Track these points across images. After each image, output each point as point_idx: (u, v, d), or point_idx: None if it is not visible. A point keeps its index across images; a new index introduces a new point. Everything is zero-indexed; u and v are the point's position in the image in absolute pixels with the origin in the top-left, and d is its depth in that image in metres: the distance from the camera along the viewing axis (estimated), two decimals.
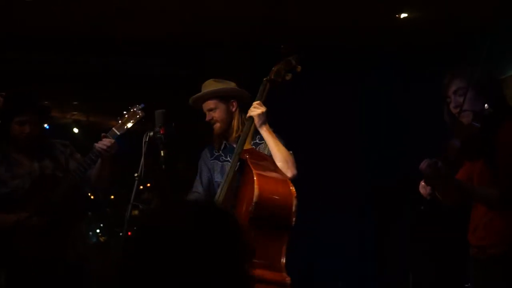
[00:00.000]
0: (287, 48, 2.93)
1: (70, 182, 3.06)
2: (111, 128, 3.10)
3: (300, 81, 2.86)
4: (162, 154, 2.87)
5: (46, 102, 3.39)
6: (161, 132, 2.86)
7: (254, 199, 2.53)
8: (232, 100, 3.06)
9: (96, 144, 3.04)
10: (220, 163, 3.08)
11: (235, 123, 3.04)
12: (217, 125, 3.06)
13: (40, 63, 4.66)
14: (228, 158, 3.05)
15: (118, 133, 3.04)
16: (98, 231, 4.90)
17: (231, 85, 3.13)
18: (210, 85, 3.11)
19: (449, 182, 2.37)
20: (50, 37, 4.47)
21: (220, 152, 3.11)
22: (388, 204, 4.60)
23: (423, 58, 4.62)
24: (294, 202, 2.61)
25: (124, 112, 3.00)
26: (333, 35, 4.60)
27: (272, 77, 2.90)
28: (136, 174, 2.81)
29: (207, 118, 3.10)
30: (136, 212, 2.95)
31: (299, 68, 2.89)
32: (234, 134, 3.04)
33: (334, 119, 4.83)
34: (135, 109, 2.96)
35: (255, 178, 2.58)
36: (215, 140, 3.12)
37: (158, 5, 4.13)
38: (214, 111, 3.07)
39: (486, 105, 2.35)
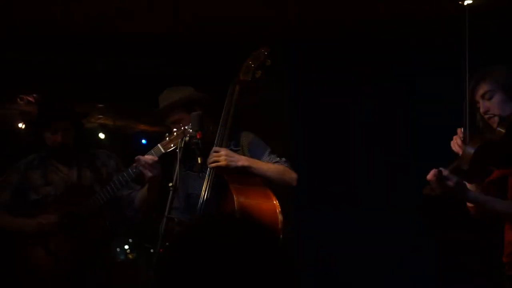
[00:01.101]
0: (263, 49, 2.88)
1: (99, 200, 3.01)
2: (143, 144, 3.01)
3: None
4: (199, 161, 2.80)
5: (82, 112, 3.37)
6: (198, 137, 2.79)
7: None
8: (196, 107, 2.96)
9: (137, 160, 2.93)
10: (193, 173, 3.00)
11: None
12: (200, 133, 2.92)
13: (60, 64, 4.67)
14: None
15: (163, 151, 2.92)
16: (126, 247, 4.84)
17: (188, 90, 3.05)
18: (167, 97, 3.02)
19: (460, 194, 2.25)
20: (76, 36, 4.46)
21: (193, 162, 2.99)
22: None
23: (487, 51, 4.40)
24: (280, 218, 2.61)
25: (174, 130, 2.90)
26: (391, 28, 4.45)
27: (241, 77, 2.84)
28: (170, 184, 2.73)
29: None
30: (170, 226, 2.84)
31: (268, 62, 2.84)
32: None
33: (384, 121, 4.67)
34: (186, 127, 2.85)
35: (234, 197, 2.62)
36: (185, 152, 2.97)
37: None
38: (179, 123, 2.97)
39: None
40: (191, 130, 2.82)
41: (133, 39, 4.54)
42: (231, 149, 2.91)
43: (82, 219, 3.04)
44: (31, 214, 3.07)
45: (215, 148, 2.81)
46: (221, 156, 2.77)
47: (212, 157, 2.79)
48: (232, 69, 2.94)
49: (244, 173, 2.78)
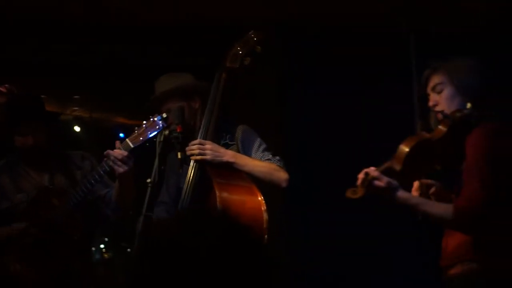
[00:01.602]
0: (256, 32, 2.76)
1: (72, 201, 2.93)
2: (120, 138, 2.92)
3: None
4: (179, 156, 2.75)
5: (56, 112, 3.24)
6: (178, 131, 2.75)
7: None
8: (194, 96, 2.89)
9: (106, 156, 2.85)
10: (187, 166, 2.90)
11: (198, 122, 2.86)
12: (180, 127, 2.86)
13: (34, 52, 4.56)
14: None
15: (132, 145, 2.84)
16: (102, 246, 4.77)
17: (186, 77, 2.97)
18: (165, 82, 2.95)
19: (389, 195, 2.18)
20: (46, 21, 4.36)
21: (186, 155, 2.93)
22: None
23: None
24: (265, 217, 2.54)
25: (143, 122, 2.81)
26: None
27: (228, 64, 2.75)
28: (148, 180, 2.67)
29: (169, 121, 2.90)
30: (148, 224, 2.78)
31: (258, 49, 2.74)
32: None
33: (383, 116, 4.62)
34: (155, 119, 2.77)
35: (216, 193, 2.55)
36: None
37: None
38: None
39: (468, 104, 2.25)
40: (160, 123, 2.74)
41: (144, 25, 4.43)
42: (226, 143, 2.85)
43: (57, 224, 2.95)
44: (3, 222, 2.98)
45: (199, 141, 2.73)
46: (206, 150, 2.70)
47: (196, 149, 2.71)
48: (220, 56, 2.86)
49: (230, 168, 2.71)
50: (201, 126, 2.77)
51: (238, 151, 2.82)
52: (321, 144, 4.48)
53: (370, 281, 4.50)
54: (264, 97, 4.45)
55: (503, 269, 2.16)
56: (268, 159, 2.78)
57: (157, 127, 2.77)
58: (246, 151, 2.82)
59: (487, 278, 2.17)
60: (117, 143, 2.88)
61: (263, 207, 2.58)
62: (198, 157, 2.70)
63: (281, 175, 2.72)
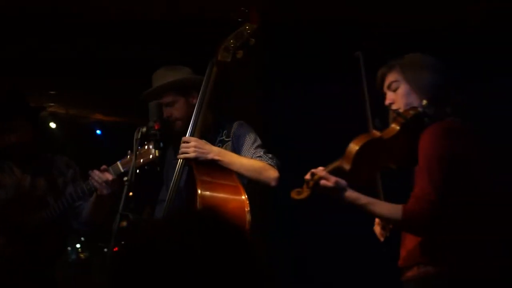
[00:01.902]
0: (239, 14, 2.73)
1: (52, 214, 2.91)
2: (97, 135, 2.89)
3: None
4: (156, 154, 2.73)
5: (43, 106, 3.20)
6: (156, 128, 2.71)
7: None
8: (192, 91, 2.87)
9: (91, 175, 2.82)
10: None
11: (205, 117, 2.81)
12: (178, 123, 2.86)
13: (8, 47, 4.51)
14: None
15: (122, 170, 2.82)
16: (78, 246, 4.74)
17: (185, 71, 2.96)
18: (163, 76, 2.93)
19: (337, 195, 2.16)
20: (21, 16, 4.32)
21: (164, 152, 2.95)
22: None
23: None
24: (248, 218, 2.51)
25: (138, 148, 2.74)
26: None
27: (219, 58, 2.72)
28: (125, 178, 2.66)
29: (165, 115, 2.90)
30: (125, 223, 2.77)
31: (252, 41, 2.70)
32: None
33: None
34: (150, 147, 2.71)
35: (198, 192, 2.52)
36: (176, 139, 2.90)
37: None
38: (172, 107, 2.90)
39: (424, 101, 2.24)
40: (154, 151, 2.68)
41: (121, 20, 4.40)
42: (222, 140, 2.83)
43: (32, 231, 2.92)
44: None
45: (184, 138, 2.71)
46: (190, 147, 2.68)
47: (181, 147, 2.69)
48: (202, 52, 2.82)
49: (217, 166, 2.68)
50: (191, 123, 2.75)
51: (233, 148, 2.81)
52: (302, 140, 4.49)
53: (358, 280, 4.53)
54: (245, 93, 4.45)
55: (458, 271, 2.16)
56: (259, 157, 2.75)
57: (151, 156, 2.71)
58: (239, 148, 2.80)
59: (442, 281, 2.16)
60: (103, 168, 2.84)
61: (247, 208, 2.54)
62: (182, 156, 2.69)
63: (270, 174, 2.68)
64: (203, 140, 2.72)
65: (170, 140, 2.93)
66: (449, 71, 2.33)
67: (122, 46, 4.60)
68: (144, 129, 2.72)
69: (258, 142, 2.82)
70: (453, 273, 2.16)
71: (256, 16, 2.72)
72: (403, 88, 2.32)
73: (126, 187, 2.62)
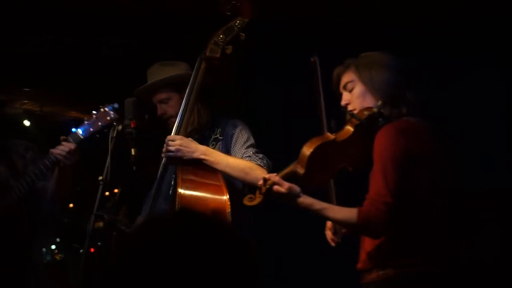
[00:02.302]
0: (229, 8, 2.70)
1: (17, 194, 2.91)
2: (73, 129, 2.91)
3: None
4: (132, 152, 2.72)
5: None
6: (132, 126, 2.70)
7: None
8: (185, 87, 2.83)
9: (52, 150, 2.86)
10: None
11: (191, 114, 2.81)
12: (173, 121, 2.84)
13: None
14: None
15: (82, 136, 2.85)
16: (53, 247, 4.71)
17: (182, 67, 2.94)
18: (158, 72, 2.92)
19: (291, 201, 2.14)
20: None
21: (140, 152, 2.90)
22: None
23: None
24: (228, 218, 2.48)
25: (93, 112, 2.81)
26: None
27: (207, 53, 2.70)
28: (100, 178, 2.65)
29: (159, 112, 2.92)
30: (100, 224, 2.76)
31: (242, 36, 2.69)
32: (189, 128, 2.80)
33: None
34: (106, 109, 2.77)
35: (178, 191, 2.52)
36: None
37: None
38: (167, 103, 2.89)
39: (379, 101, 2.25)
40: (112, 113, 2.72)
41: (97, 14, 4.37)
42: (216, 138, 2.81)
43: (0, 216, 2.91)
44: None
45: (169, 137, 2.69)
46: (175, 146, 2.66)
47: (166, 146, 2.68)
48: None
49: (202, 165, 2.66)
50: (177, 120, 2.73)
51: (225, 146, 2.79)
52: (282, 139, 4.50)
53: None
54: (224, 89, 4.43)
55: (417, 272, 2.17)
56: (248, 156, 2.73)
57: (108, 118, 2.78)
58: (231, 146, 2.79)
59: (402, 283, 2.18)
60: (63, 138, 2.88)
61: (228, 209, 2.51)
62: (167, 154, 2.68)
63: (258, 174, 2.61)
64: (189, 139, 2.71)
65: (165, 138, 2.90)
66: (405, 70, 2.33)
67: (99, 42, 4.56)
68: (120, 127, 2.72)
69: (250, 141, 2.80)
70: (413, 274, 2.17)
71: (247, 9, 2.69)
72: (358, 88, 2.32)
73: (100, 186, 2.62)
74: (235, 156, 2.75)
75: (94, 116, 2.82)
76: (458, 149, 4.25)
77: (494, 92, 4.46)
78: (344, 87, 2.35)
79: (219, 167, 2.65)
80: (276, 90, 4.56)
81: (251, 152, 2.75)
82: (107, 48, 4.56)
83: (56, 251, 4.64)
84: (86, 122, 2.85)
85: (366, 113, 2.22)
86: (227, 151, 2.79)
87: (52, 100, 5.16)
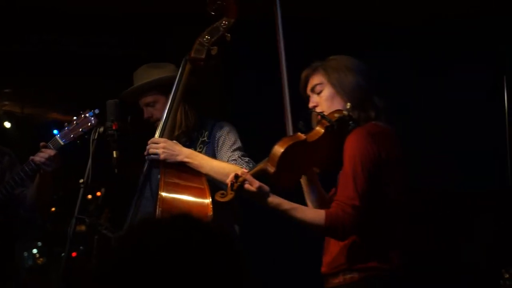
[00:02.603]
0: (214, 8, 2.68)
1: None
2: (54, 135, 2.89)
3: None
4: (114, 155, 2.71)
5: None
6: (114, 128, 2.69)
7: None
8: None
9: (32, 157, 2.84)
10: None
11: (178, 117, 2.80)
12: (159, 123, 2.81)
13: None
14: None
15: (62, 142, 2.84)
16: (35, 251, 4.68)
17: (169, 68, 2.93)
18: (145, 74, 2.91)
19: (260, 200, 2.16)
20: None
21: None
22: None
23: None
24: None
25: (74, 118, 2.80)
26: None
27: (192, 54, 2.69)
28: (81, 180, 2.64)
29: (146, 115, 2.91)
30: (83, 227, 2.76)
31: (228, 37, 2.67)
32: (177, 131, 2.80)
33: None
34: (86, 115, 2.77)
35: (159, 194, 2.52)
36: None
37: None
38: (153, 107, 2.88)
39: (348, 104, 2.28)
40: (92, 119, 2.72)
41: (80, 12, 4.33)
42: (204, 141, 2.80)
43: None
44: None
45: (153, 139, 2.68)
46: (159, 148, 2.64)
47: (149, 148, 2.66)
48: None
49: (186, 168, 2.64)
50: (161, 122, 2.72)
51: (212, 149, 2.79)
52: (270, 141, 4.49)
53: None
54: (210, 91, 4.42)
55: (383, 275, 2.21)
56: (234, 160, 2.73)
57: (89, 124, 2.78)
58: (217, 150, 2.79)
59: (369, 286, 2.21)
60: (42, 144, 2.87)
61: (209, 212, 2.51)
62: (150, 156, 2.66)
63: None
64: (173, 141, 2.70)
65: (147, 140, 2.89)
66: (371, 75, 2.36)
67: (80, 42, 4.53)
68: (102, 129, 2.71)
69: (237, 144, 2.79)
70: (380, 278, 2.20)
71: (234, 9, 2.68)
72: (327, 91, 2.34)
73: (81, 189, 2.61)
74: (221, 159, 2.75)
75: (74, 121, 2.81)
76: (457, 150, 4.33)
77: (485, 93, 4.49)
78: (312, 90, 2.37)
79: (203, 170, 2.64)
80: (264, 91, 4.55)
81: (236, 156, 2.75)
82: (89, 48, 4.53)
83: (38, 255, 4.61)
84: (66, 128, 2.84)
85: (336, 115, 2.25)
86: (213, 154, 2.79)
87: (33, 102, 5.13)
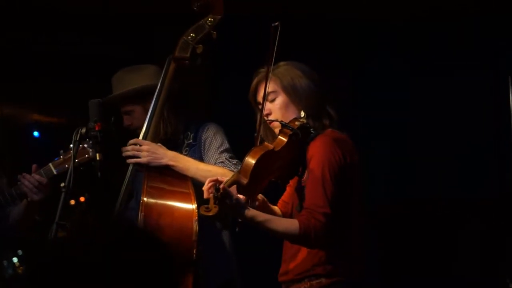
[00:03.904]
0: (199, 5, 2.68)
1: None
2: (48, 163, 2.85)
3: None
4: (97, 157, 2.68)
5: None
6: (97, 129, 2.66)
7: None
8: (151, 97, 2.83)
9: (22, 180, 2.80)
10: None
11: (160, 119, 2.80)
12: (139, 132, 2.82)
13: None
14: None
15: (55, 172, 2.82)
16: (15, 260, 4.63)
17: (148, 72, 2.93)
18: (120, 82, 2.93)
19: (237, 212, 2.19)
20: None
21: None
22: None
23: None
24: (195, 227, 2.48)
25: (71, 146, 2.73)
26: None
27: (176, 54, 2.69)
28: (62, 184, 2.63)
29: (125, 123, 2.93)
30: (63, 234, 2.72)
31: (214, 35, 2.68)
32: (157, 139, 2.80)
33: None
34: (85, 146, 2.73)
35: (142, 199, 2.52)
36: None
37: None
38: (131, 115, 2.91)
39: (302, 112, 2.32)
40: (91, 150, 2.69)
41: (61, 10, 4.29)
42: (190, 143, 2.80)
43: None
44: None
45: (135, 140, 2.68)
46: (142, 151, 2.65)
47: (131, 150, 2.66)
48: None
49: (171, 171, 2.65)
50: (145, 125, 2.72)
51: (199, 152, 2.78)
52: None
53: None
54: (196, 91, 4.40)
55: (350, 280, 2.29)
56: (221, 162, 2.74)
57: (87, 156, 2.73)
58: (205, 152, 2.79)
59: None
60: (34, 167, 2.82)
61: (195, 217, 2.50)
62: (133, 160, 2.65)
63: None
64: (158, 144, 2.70)
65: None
66: (322, 83, 2.41)
67: (62, 40, 4.51)
68: (84, 130, 2.68)
69: (225, 146, 2.80)
70: (347, 283, 2.29)
71: (220, 6, 2.68)
72: (281, 99, 2.38)
73: (62, 194, 2.59)
74: (208, 162, 2.74)
75: (70, 151, 2.74)
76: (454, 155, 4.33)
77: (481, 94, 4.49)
78: (265, 98, 2.37)
79: (189, 173, 2.64)
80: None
81: (224, 158, 2.75)
82: (70, 47, 4.52)
83: (18, 264, 4.56)
84: (61, 156, 2.80)
85: (297, 123, 2.29)
86: (200, 157, 2.78)
87: (12, 102, 5.09)
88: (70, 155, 2.75)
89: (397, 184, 4.50)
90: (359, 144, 2.48)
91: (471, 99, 4.38)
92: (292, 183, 2.45)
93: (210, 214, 2.11)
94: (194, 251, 2.45)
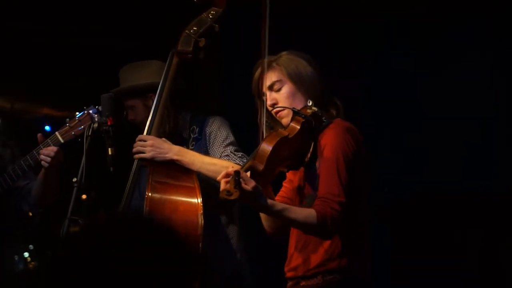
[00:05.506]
0: None
1: None
2: (54, 131, 2.93)
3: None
4: (109, 152, 2.74)
5: None
6: (109, 123, 2.73)
7: None
8: (150, 94, 2.92)
9: (40, 151, 2.88)
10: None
11: (164, 113, 2.86)
12: (142, 127, 2.88)
13: None
14: None
15: (62, 140, 2.88)
16: (26, 255, 4.72)
17: (152, 69, 2.99)
18: (126, 77, 3.02)
19: (254, 200, 2.17)
20: None
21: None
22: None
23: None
24: (200, 222, 2.52)
25: (76, 114, 2.83)
26: None
27: (179, 47, 2.73)
28: (75, 179, 2.68)
29: (129, 117, 3.01)
30: (75, 229, 2.80)
31: (217, 28, 2.71)
32: (162, 132, 2.86)
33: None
34: (90, 112, 2.80)
35: (147, 194, 2.57)
36: None
37: None
38: (133, 110, 2.98)
39: (310, 101, 2.33)
40: (96, 115, 2.75)
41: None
42: (196, 138, 2.86)
43: None
44: None
45: (140, 136, 2.73)
46: (146, 146, 2.70)
47: (137, 146, 2.72)
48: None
49: (176, 166, 2.70)
50: (149, 119, 2.77)
51: (205, 146, 2.84)
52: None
53: None
54: (201, 85, 4.46)
55: (364, 276, 2.32)
56: (226, 156, 2.79)
57: (92, 121, 2.79)
58: (210, 146, 2.84)
59: (351, 286, 2.30)
60: (40, 136, 2.89)
61: (200, 211, 2.56)
62: (138, 156, 2.71)
63: None
64: (162, 139, 2.75)
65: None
66: (325, 71, 2.43)
67: (73, 34, 4.57)
68: (96, 125, 2.75)
69: (230, 139, 2.85)
70: (363, 278, 2.31)
71: None
72: (287, 88, 2.40)
73: (75, 189, 2.66)
74: (213, 156, 2.80)
75: (76, 118, 2.85)
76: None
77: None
78: (270, 87, 2.41)
79: (194, 167, 2.70)
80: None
81: (229, 151, 2.81)
82: (81, 40, 4.57)
83: (30, 258, 4.65)
84: (67, 124, 2.87)
85: (309, 111, 2.31)
86: (206, 150, 2.84)
87: (24, 97, 5.17)
88: (76, 122, 2.84)
89: (409, 178, 4.53)
90: (370, 138, 2.52)
91: (481, 98, 4.40)
92: (291, 177, 2.48)
93: (232, 198, 2.08)
94: (200, 245, 2.50)
